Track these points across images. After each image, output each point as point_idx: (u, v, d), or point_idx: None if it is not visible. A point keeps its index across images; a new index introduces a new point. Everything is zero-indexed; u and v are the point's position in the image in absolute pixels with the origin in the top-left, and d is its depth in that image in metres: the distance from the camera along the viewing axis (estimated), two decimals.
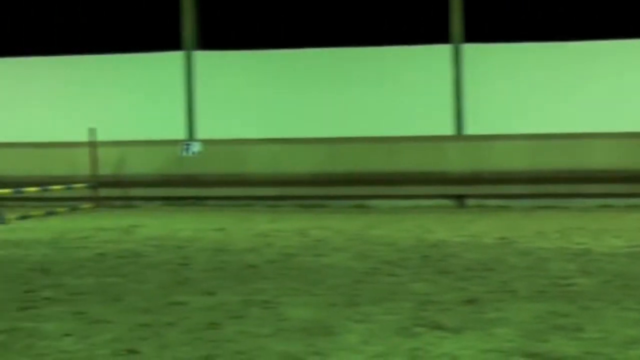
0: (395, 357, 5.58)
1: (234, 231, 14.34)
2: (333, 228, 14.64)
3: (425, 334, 6.24)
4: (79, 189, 19.69)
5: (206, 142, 20.95)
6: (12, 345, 6.02)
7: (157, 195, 20.95)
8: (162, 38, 21.44)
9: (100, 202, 20.12)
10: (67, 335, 6.32)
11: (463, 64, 20.49)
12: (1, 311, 7.30)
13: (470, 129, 20.41)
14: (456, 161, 20.29)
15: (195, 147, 20.88)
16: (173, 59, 21.30)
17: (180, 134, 21.21)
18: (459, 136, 20.49)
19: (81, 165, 20.38)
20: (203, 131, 21.23)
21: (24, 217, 17.02)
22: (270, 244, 12.41)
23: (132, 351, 5.77)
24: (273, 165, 20.63)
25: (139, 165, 20.98)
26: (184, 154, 20.92)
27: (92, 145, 20.05)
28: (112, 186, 20.67)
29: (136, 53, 21.33)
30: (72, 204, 19.70)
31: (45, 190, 18.65)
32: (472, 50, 20.42)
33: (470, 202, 20.00)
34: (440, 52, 20.57)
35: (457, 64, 20.52)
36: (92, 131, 20.00)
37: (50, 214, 17.87)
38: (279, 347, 5.87)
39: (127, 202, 20.78)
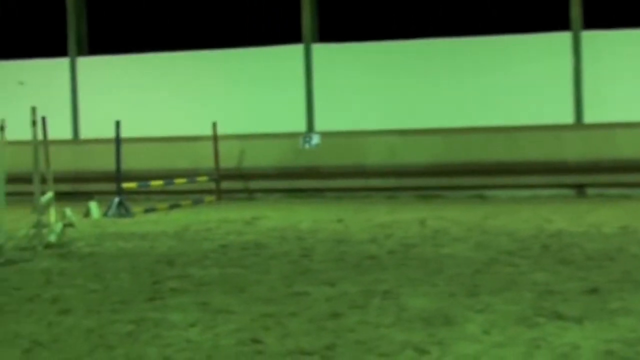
0: (515, 346, 5.59)
1: (353, 222, 14.43)
2: (451, 218, 14.60)
3: (546, 324, 6.22)
4: (202, 182, 20.09)
5: (325, 134, 21.10)
6: (140, 335, 6.24)
7: (277, 187, 21.19)
8: (283, 31, 21.70)
9: (222, 195, 20.48)
10: (192, 325, 6.51)
11: (582, 51, 20.11)
12: (130, 302, 7.56)
13: (590, 117, 20.02)
14: (576, 150, 19.93)
15: (315, 140, 21.06)
16: (293, 52, 21.52)
17: (299, 126, 21.41)
18: (579, 124, 20.12)
19: (204, 158, 20.78)
20: (322, 123, 21.38)
21: (149, 210, 17.46)
22: (389, 234, 12.46)
23: (255, 341, 5.92)
24: (391, 156, 20.64)
25: (260, 158, 21.26)
26: (304, 146, 21.12)
27: (215, 139, 20.43)
28: (233, 179, 21.01)
29: (257, 47, 21.63)
30: (195, 196, 20.12)
31: (170, 183, 19.10)
32: (592, 38, 20.02)
33: (590, 191, 19.63)
34: (560, 40, 20.23)
35: (576, 51, 20.16)
36: (214, 125, 20.38)
37: (174, 206, 18.29)
38: (400, 336, 5.94)
39: (249, 195, 21.10)
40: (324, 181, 20.94)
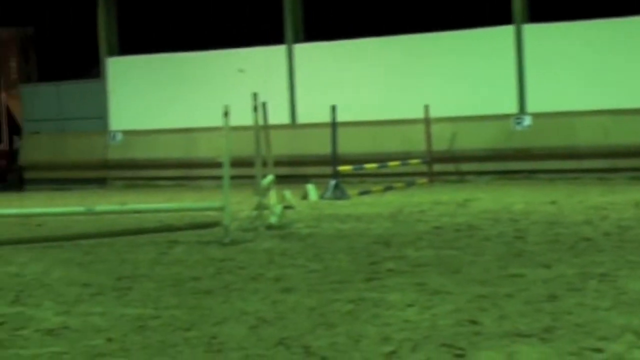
0: None
1: (566, 204, 14.22)
2: None
3: None
4: (414, 164, 20.25)
5: (536, 115, 20.81)
6: (360, 314, 6.46)
7: (488, 169, 21.09)
8: (493, 13, 21.54)
9: (434, 177, 20.59)
10: (410, 305, 6.67)
11: None
12: (349, 282, 7.82)
13: None
14: None
15: (527, 121, 20.81)
16: (503, 33, 21.32)
17: (511, 108, 21.20)
18: None
19: (416, 141, 20.93)
20: (533, 104, 21.08)
21: (364, 193, 17.80)
22: (604, 216, 12.21)
23: (473, 322, 6.02)
24: (604, 137, 20.12)
25: (471, 140, 21.20)
26: (515, 127, 20.92)
27: (427, 122, 20.55)
28: (445, 161, 21.07)
29: (467, 29, 21.56)
30: (408, 179, 20.31)
31: (383, 166, 19.37)
32: None
33: None
34: None
35: None
36: (426, 108, 20.50)
37: (388, 189, 18.55)
38: (619, 320, 5.89)
39: (460, 177, 21.11)
40: (536, 163, 20.66)
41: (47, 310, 7.00)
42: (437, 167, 20.73)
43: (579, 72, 20.62)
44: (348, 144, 20.42)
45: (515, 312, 6.25)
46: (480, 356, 5.12)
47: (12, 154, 26.91)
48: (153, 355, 5.44)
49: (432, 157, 20.55)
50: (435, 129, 20.67)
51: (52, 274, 8.81)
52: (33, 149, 25.41)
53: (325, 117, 17.70)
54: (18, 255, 10.32)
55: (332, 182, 17.12)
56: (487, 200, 15.57)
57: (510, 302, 6.59)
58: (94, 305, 7.13)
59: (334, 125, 17.19)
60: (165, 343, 5.75)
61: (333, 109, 17.10)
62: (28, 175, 25.61)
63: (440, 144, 20.87)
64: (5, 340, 5.99)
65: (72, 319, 6.65)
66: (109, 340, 5.92)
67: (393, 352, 5.25)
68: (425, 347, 5.36)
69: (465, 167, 21.18)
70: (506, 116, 21.02)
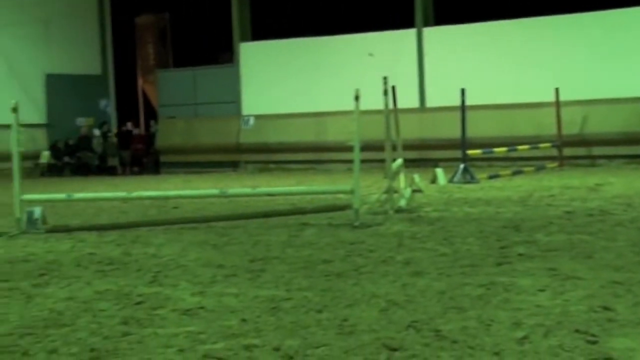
0: None
1: None
2: None
3: None
4: (544, 148, 19.97)
5: None
6: (490, 299, 6.43)
7: (620, 153, 20.67)
8: None
9: (564, 161, 20.27)
10: (541, 290, 6.61)
11: None
12: (479, 266, 7.80)
13: None
14: None
15: None
16: (633, 15, 20.82)
17: None
18: None
19: (546, 125, 20.65)
20: None
21: (493, 177, 17.67)
22: None
23: (606, 308, 5.94)
24: None
25: (602, 123, 20.81)
26: None
27: (557, 105, 20.22)
28: (575, 145, 20.72)
29: (595, 11, 21.13)
30: (537, 163, 20.05)
31: (512, 150, 19.18)
32: None
33: None
34: None
35: None
36: (556, 91, 20.17)
37: (517, 173, 18.36)
38: None
39: (591, 161, 20.72)
40: None
41: (183, 291, 7.19)
42: (567, 151, 20.40)
43: None
44: (477, 128, 20.29)
45: None
46: (614, 343, 5.06)
47: (149, 139, 27.66)
48: (286, 337, 5.55)
49: (562, 141, 20.22)
50: (565, 112, 20.33)
51: (187, 255, 9.06)
52: (168, 134, 26.05)
53: (455, 101, 17.61)
54: (155, 237, 10.65)
55: (461, 165, 17.05)
56: (619, 184, 15.26)
57: None
58: (228, 287, 7.30)
59: (463, 108, 17.10)
60: (297, 324, 5.86)
61: (462, 92, 17.01)
62: (163, 159, 26.28)
63: (570, 128, 20.53)
64: (144, 320, 6.19)
65: (207, 299, 6.82)
66: (243, 320, 6.05)
67: (525, 338, 5.23)
68: (557, 332, 5.33)
69: (597, 150, 20.78)
70: (639, 99, 20.51)
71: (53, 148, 25.60)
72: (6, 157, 20.30)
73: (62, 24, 25.99)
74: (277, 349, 5.24)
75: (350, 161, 11.20)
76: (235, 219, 12.04)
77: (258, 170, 24.01)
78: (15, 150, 11.43)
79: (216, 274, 7.94)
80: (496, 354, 4.95)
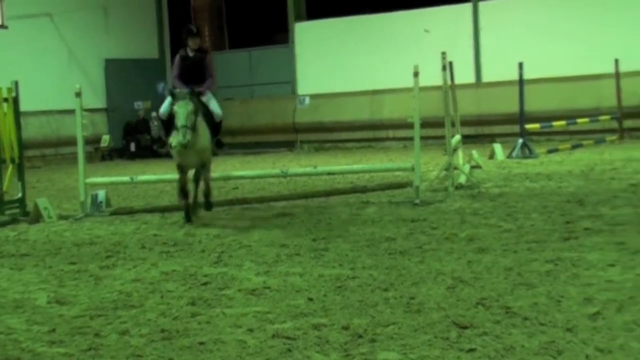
0: None
1: None
2: None
3: None
4: (604, 121, 19.69)
5: None
6: (559, 274, 6.37)
7: None
8: None
9: (625, 134, 19.97)
10: (611, 265, 6.54)
11: None
12: (544, 241, 7.73)
13: None
14: None
15: None
16: None
17: None
18: None
19: (606, 97, 20.35)
20: None
21: (552, 151, 17.47)
22: None
23: None
24: None
25: None
26: None
27: (617, 76, 19.91)
28: (636, 117, 20.39)
29: None
30: (596, 136, 19.79)
31: (571, 123, 18.93)
32: None
33: None
34: None
35: None
36: (616, 62, 19.85)
37: (576, 146, 18.14)
38: None
39: None
40: None
41: (248, 271, 7.23)
42: (627, 123, 20.08)
43: None
44: (535, 102, 20.06)
45: None
46: None
47: None
48: (353, 315, 5.55)
49: (622, 113, 19.91)
50: (625, 83, 20.00)
51: (251, 236, 9.10)
52: (225, 115, 26.12)
53: (511, 75, 17.42)
54: (218, 218, 10.71)
55: (520, 140, 16.89)
56: None
57: None
58: (292, 266, 7.32)
59: (520, 82, 16.90)
60: (364, 303, 5.86)
61: (520, 65, 16.80)
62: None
63: (631, 100, 20.19)
64: (212, 300, 6.23)
65: (273, 279, 6.85)
66: (310, 300, 6.06)
67: (597, 313, 5.18)
68: (631, 308, 5.26)
69: None
70: None
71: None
72: (67, 142, 20.51)
73: (119, 9, 26.21)
74: (345, 328, 5.24)
75: (406, 139, 11.19)
76: (297, 198, 12.07)
77: (314, 149, 24.00)
78: (79, 135, 11.56)
79: (280, 253, 7.96)
80: (569, 330, 4.90)
